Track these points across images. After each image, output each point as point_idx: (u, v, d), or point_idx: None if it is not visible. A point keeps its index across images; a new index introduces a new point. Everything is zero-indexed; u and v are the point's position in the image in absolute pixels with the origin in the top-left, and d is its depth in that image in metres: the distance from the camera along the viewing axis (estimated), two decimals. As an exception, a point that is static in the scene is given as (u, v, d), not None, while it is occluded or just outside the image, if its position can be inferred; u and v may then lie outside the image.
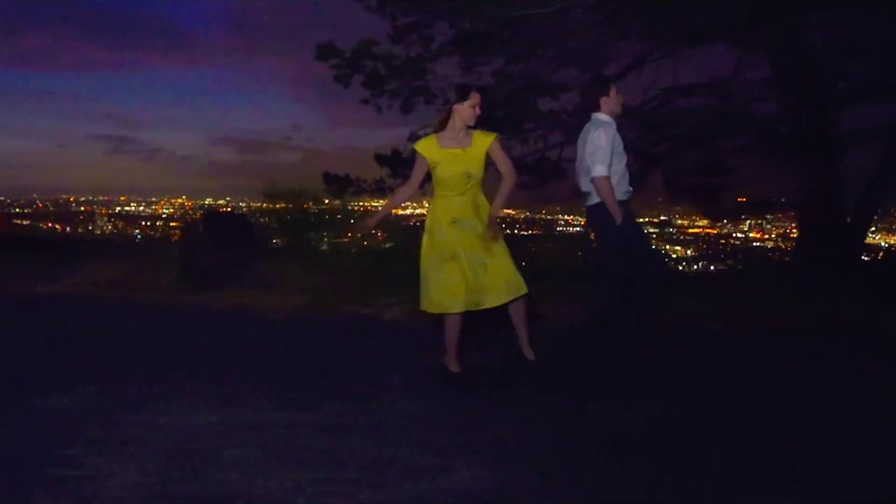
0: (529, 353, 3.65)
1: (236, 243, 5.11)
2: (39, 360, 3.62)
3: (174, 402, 2.97)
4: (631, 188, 3.89)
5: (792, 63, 9.13)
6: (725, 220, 13.52)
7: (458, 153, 3.32)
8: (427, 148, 3.35)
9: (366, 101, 7.46)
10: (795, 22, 7.82)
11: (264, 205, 5.82)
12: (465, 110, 3.33)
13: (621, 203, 3.73)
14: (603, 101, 3.68)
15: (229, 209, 6.06)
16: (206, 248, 4.99)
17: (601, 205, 3.71)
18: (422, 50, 7.30)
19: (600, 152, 3.64)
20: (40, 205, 29.34)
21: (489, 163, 3.47)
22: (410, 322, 4.49)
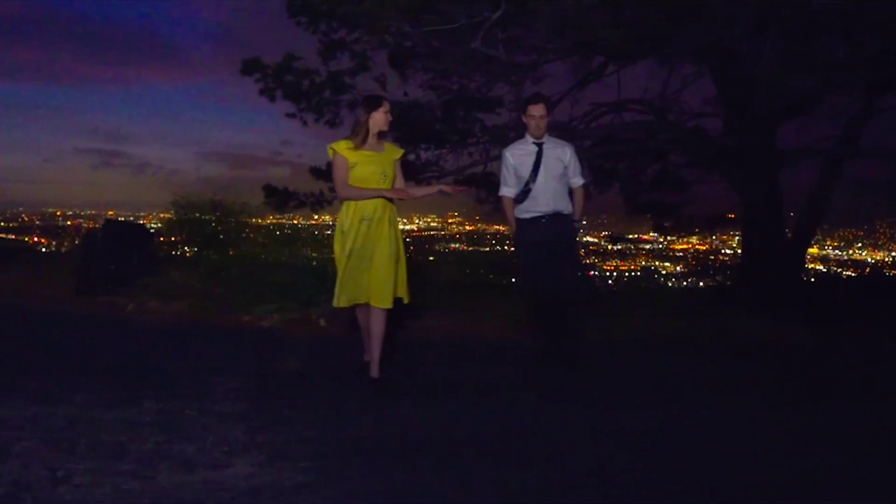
0: (376, 372, 3.53)
1: (133, 252, 5.22)
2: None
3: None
4: (543, 209, 3.92)
5: (733, 80, 9.28)
6: (679, 236, 13.53)
7: (374, 155, 3.53)
8: (343, 148, 3.53)
9: (292, 116, 7.61)
10: (730, 39, 7.99)
11: (171, 215, 5.93)
12: (380, 117, 3.53)
13: (529, 221, 3.93)
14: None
15: (131, 219, 6.17)
16: (102, 255, 5.10)
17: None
18: (352, 65, 7.46)
19: (502, 174, 4.08)
20: (26, 218, 29.53)
21: None
22: (285, 330, 4.60)
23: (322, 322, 4.73)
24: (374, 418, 3.18)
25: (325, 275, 4.68)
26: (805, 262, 10.56)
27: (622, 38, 6.06)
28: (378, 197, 3.49)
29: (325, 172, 8.59)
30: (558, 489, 2.54)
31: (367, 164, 3.49)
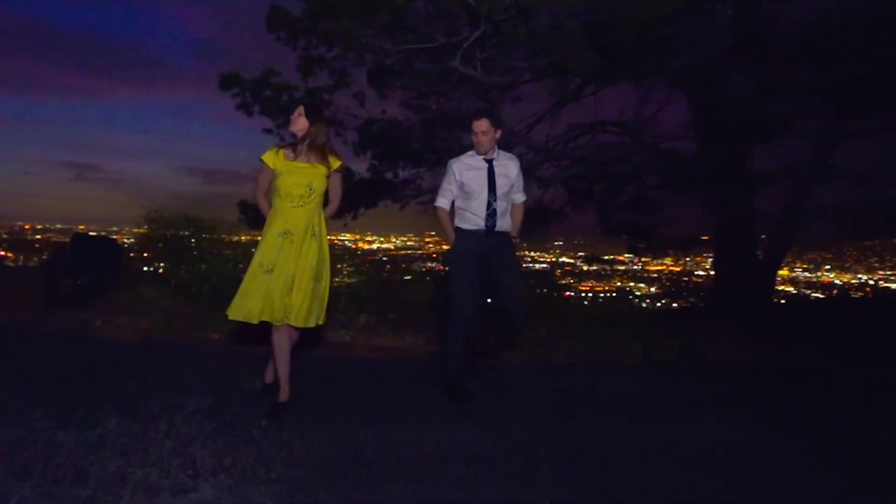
0: (285, 395, 3.38)
1: (103, 267, 5.08)
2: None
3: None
4: (486, 227, 3.84)
5: (706, 104, 9.49)
6: (651, 257, 13.72)
7: (303, 166, 3.37)
8: (272, 158, 3.39)
9: (269, 132, 7.57)
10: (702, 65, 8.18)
11: (143, 230, 5.80)
12: (292, 122, 3.43)
13: (469, 232, 3.86)
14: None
15: (103, 233, 6.02)
16: (70, 270, 4.96)
17: None
18: (329, 81, 7.46)
19: (442, 184, 3.99)
20: (-7, 232, 28.63)
21: None
22: (258, 348, 4.49)
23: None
24: (337, 437, 3.12)
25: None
26: (775, 284, 10.74)
27: (595, 60, 6.14)
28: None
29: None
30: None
31: (294, 174, 3.34)
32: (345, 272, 7.01)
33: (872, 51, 7.99)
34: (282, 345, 3.36)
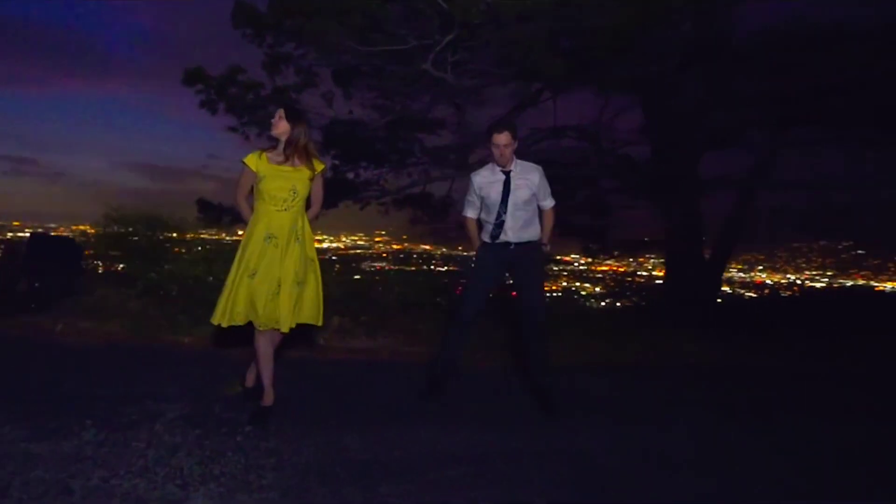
0: (269, 400, 3.34)
1: (61, 268, 4.85)
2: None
3: None
4: (510, 238, 3.84)
5: (660, 112, 9.85)
6: (606, 258, 14.13)
7: (286, 170, 3.33)
8: (255, 161, 3.33)
9: (234, 130, 7.38)
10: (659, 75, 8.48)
11: (102, 230, 5.55)
12: (301, 129, 3.38)
13: (485, 248, 3.91)
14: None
15: (62, 233, 5.72)
16: (25, 272, 4.71)
17: None
18: (296, 79, 7.33)
19: (467, 196, 4.03)
20: None
21: None
22: (231, 353, 4.40)
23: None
24: (324, 442, 3.10)
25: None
26: (721, 285, 11.24)
27: (562, 67, 6.29)
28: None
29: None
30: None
31: (277, 178, 3.30)
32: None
33: (811, 66, 8.48)
34: (266, 349, 3.32)
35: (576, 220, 12.30)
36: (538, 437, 3.47)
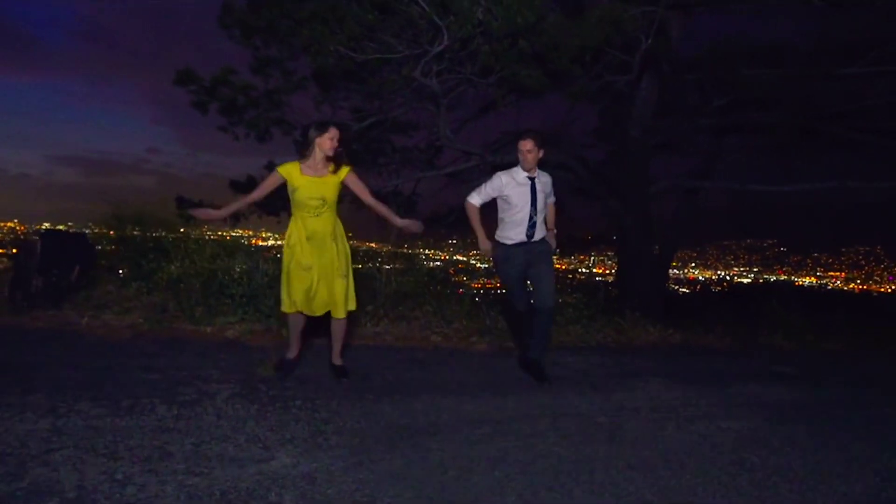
0: (338, 361, 4.11)
1: (76, 264, 4.98)
2: None
3: (-4, 414, 2.97)
4: (526, 237, 4.27)
5: (615, 117, 10.61)
6: (557, 256, 14.91)
7: (316, 180, 3.72)
8: (290, 172, 3.72)
9: (223, 129, 7.56)
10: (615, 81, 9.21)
11: (109, 228, 5.69)
12: (325, 142, 3.73)
13: (512, 246, 4.29)
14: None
15: (73, 229, 5.79)
16: (42, 267, 4.82)
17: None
18: (282, 82, 7.59)
19: (483, 186, 4.36)
20: None
21: (346, 194, 3.99)
22: (250, 340, 4.73)
23: (284, 332, 4.89)
24: (366, 411, 3.52)
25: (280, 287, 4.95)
26: (668, 279, 12.16)
27: (542, 77, 6.87)
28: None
29: (244, 185, 8.52)
30: (540, 455, 3.08)
31: (308, 188, 3.70)
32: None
33: (748, 80, 9.45)
34: (336, 328, 4.02)
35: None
36: (544, 403, 4.00)
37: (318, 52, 6.28)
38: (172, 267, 5.11)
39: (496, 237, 4.39)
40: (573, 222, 14.05)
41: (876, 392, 5.28)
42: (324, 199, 3.74)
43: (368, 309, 5.45)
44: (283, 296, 3.85)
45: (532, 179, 4.24)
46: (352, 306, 3.97)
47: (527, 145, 4.14)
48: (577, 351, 5.67)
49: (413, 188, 11.18)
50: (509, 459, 3.04)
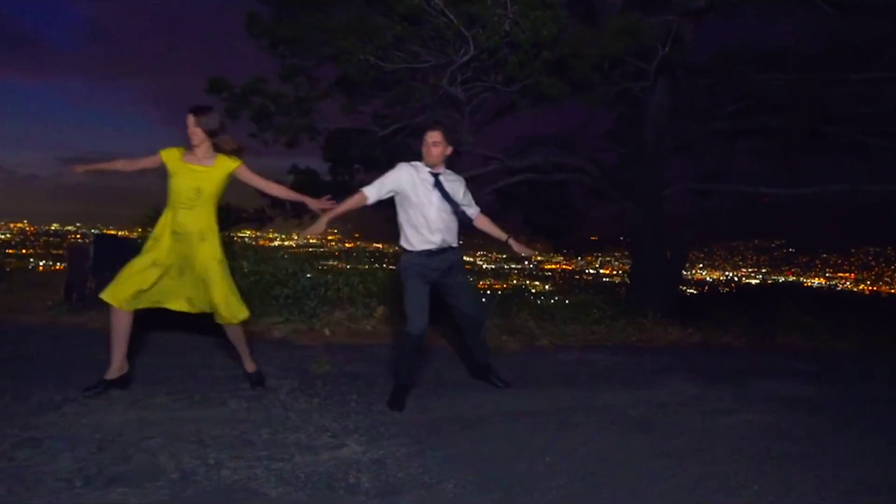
0: (250, 368, 3.77)
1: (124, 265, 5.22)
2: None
3: (86, 406, 3.23)
4: (432, 244, 3.75)
5: (629, 121, 10.85)
6: (572, 255, 15.20)
7: (195, 169, 3.43)
8: (170, 157, 3.45)
9: (253, 136, 7.84)
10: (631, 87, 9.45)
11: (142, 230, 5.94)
12: (220, 133, 3.49)
13: (419, 253, 3.74)
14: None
15: (81, 230, 6.03)
16: (95, 269, 5.08)
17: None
18: (308, 89, 7.86)
19: (381, 178, 3.77)
20: None
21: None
22: (296, 339, 5.00)
23: (326, 331, 5.16)
24: (414, 405, 3.78)
25: (324, 288, 5.25)
26: (681, 279, 12.38)
27: (563, 86, 7.13)
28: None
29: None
30: (581, 444, 3.33)
31: (184, 177, 3.40)
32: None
33: (760, 84, 9.69)
34: (231, 334, 3.70)
35: (544, 221, 13.24)
36: (576, 398, 4.26)
37: (348, 61, 6.54)
38: (247, 269, 5.34)
39: (400, 242, 3.85)
40: (586, 224, 14.30)
41: (889, 390, 5.53)
42: (199, 191, 3.41)
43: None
44: (113, 283, 3.43)
45: (436, 176, 3.73)
46: (241, 314, 3.57)
47: (433, 136, 3.68)
48: (603, 349, 5.91)
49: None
50: (554, 448, 3.29)
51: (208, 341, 4.67)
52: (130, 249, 5.54)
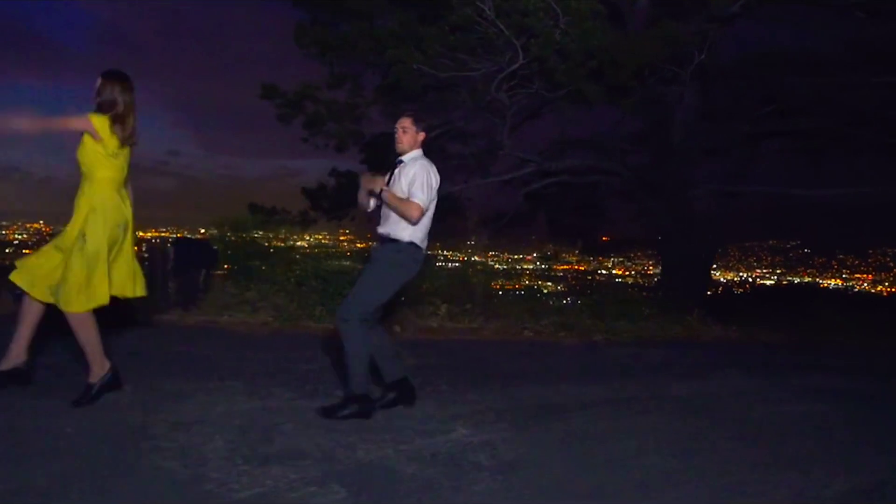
0: (88, 378, 3.21)
1: (203, 268, 5.52)
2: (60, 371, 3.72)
3: (212, 396, 3.49)
4: (380, 231, 3.57)
5: (658, 125, 11.09)
6: (597, 257, 15.46)
7: (126, 149, 3.23)
8: (103, 127, 3.12)
9: (304, 140, 8.12)
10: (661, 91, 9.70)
11: (207, 232, 6.24)
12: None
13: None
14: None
15: (202, 235, 6.31)
16: (176, 271, 5.37)
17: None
18: (354, 95, 8.14)
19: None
20: None
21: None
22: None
23: (397, 328, 5.43)
24: (502, 395, 4.06)
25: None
26: (710, 278, 12.61)
27: (602, 91, 7.39)
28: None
29: (315, 193, 9.08)
30: (656, 429, 3.58)
31: (122, 157, 3.19)
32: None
33: (790, 88, 9.93)
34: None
35: (569, 222, 13.51)
36: (641, 389, 4.54)
37: (401, 70, 6.80)
38: (297, 270, 5.62)
39: (411, 238, 3.47)
40: (607, 225, 14.55)
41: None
42: (77, 161, 3.16)
43: (467, 307, 5.98)
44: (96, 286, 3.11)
45: (399, 163, 3.56)
46: (75, 305, 3.05)
47: (403, 122, 3.57)
48: (653, 344, 6.17)
49: (459, 192, 11.71)
50: (638, 430, 3.56)
51: (293, 337, 4.95)
52: (208, 251, 5.86)
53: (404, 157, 3.56)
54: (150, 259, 5.48)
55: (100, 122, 3.11)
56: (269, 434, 3.03)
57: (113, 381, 3.29)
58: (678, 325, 6.88)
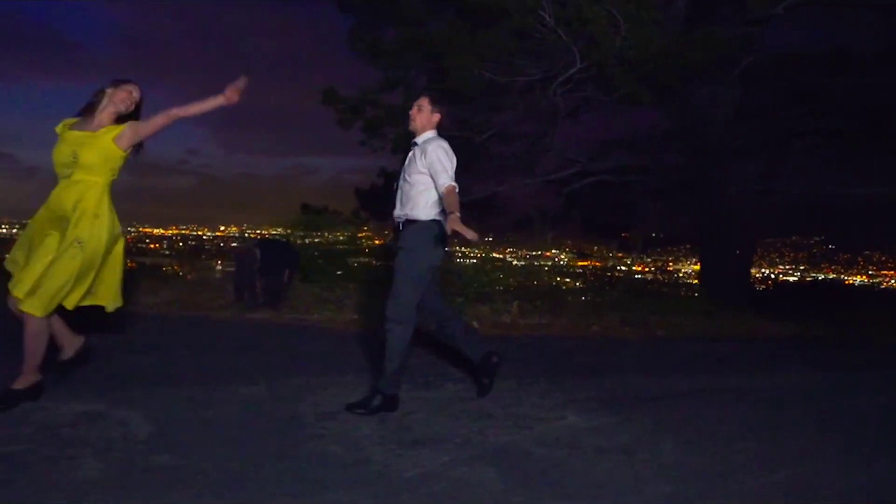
0: (15, 384, 2.99)
1: (286, 268, 5.80)
2: (192, 366, 4.09)
3: (331, 390, 3.78)
4: (396, 212, 3.58)
5: (694, 124, 11.28)
6: (637, 254, 15.68)
7: (77, 134, 3.04)
8: (63, 123, 3.12)
9: (363, 143, 8.40)
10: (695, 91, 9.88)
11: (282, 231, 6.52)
12: (119, 94, 3.12)
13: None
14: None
15: (284, 236, 6.59)
16: (262, 271, 5.65)
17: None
18: (409, 99, 8.39)
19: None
20: None
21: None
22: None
23: (475, 324, 5.70)
24: (587, 386, 4.31)
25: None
26: (750, 275, 12.76)
27: (650, 94, 7.61)
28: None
29: (367, 194, 9.36)
30: (735, 417, 3.81)
31: (62, 142, 3.02)
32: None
33: (826, 86, 10.09)
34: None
35: (602, 219, 13.72)
36: (707, 382, 4.74)
37: (462, 76, 7.06)
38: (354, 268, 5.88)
39: (436, 216, 3.44)
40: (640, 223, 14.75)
41: None
42: (76, 157, 2.97)
43: (538, 304, 6.24)
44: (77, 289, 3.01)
45: (414, 144, 3.55)
46: (40, 310, 2.89)
47: (419, 101, 3.57)
48: (714, 340, 6.40)
49: (494, 193, 11.94)
50: (727, 419, 3.79)
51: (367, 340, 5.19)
52: (288, 252, 6.13)
53: (417, 139, 3.53)
54: (238, 261, 5.76)
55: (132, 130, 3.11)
56: (405, 422, 3.30)
57: (35, 391, 3.06)
58: (735, 321, 7.09)
